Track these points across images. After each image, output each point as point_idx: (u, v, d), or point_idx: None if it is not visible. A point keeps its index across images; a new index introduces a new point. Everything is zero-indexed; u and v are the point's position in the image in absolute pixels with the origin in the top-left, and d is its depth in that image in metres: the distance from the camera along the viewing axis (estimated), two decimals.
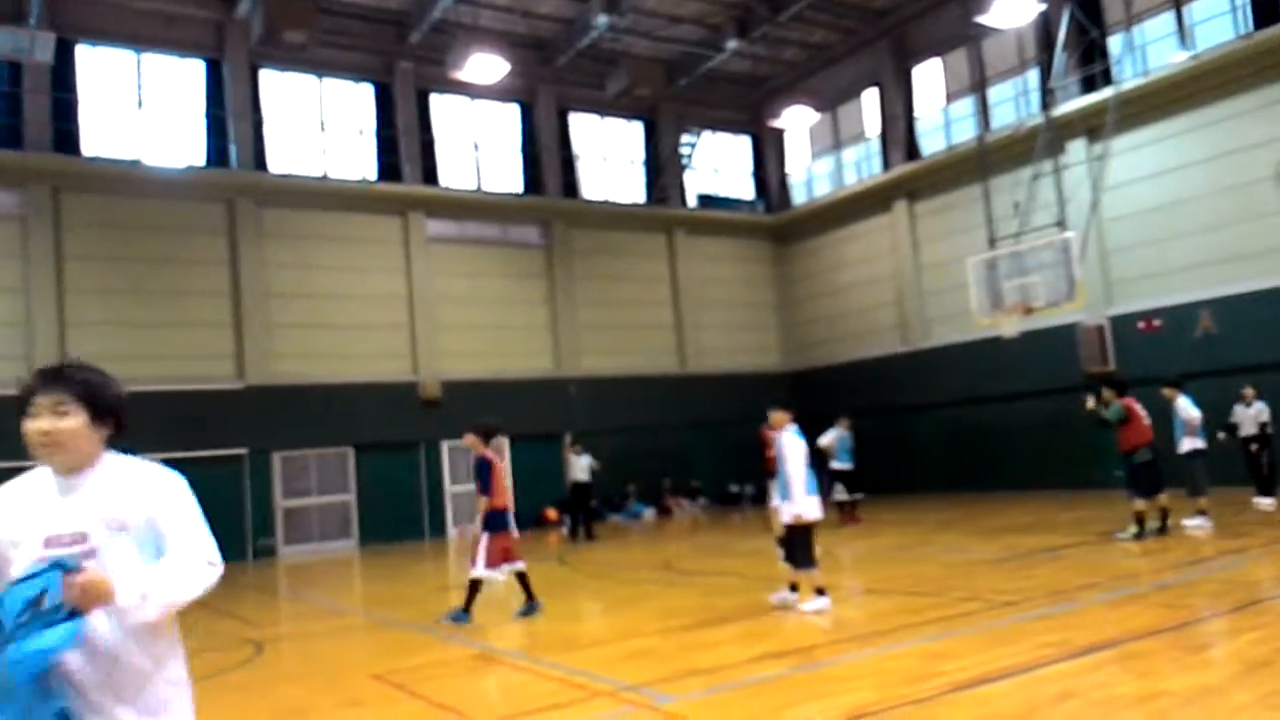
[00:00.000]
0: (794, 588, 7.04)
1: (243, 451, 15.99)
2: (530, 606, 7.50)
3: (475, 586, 7.35)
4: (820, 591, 6.78)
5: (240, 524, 15.82)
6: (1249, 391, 11.53)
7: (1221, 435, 11.42)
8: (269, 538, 16.16)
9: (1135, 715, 3.86)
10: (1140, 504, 9.36)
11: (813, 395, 20.46)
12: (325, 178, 17.99)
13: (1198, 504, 9.94)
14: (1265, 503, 11.07)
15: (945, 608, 6.84)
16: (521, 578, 7.54)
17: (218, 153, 17.08)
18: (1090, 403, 9.80)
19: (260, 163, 17.38)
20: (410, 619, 8.06)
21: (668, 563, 10.98)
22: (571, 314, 20.01)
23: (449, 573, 12.65)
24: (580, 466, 14.74)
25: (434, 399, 17.86)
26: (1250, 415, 11.39)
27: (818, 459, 12.74)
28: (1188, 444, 10.29)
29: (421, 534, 17.52)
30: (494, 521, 7.39)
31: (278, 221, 17.25)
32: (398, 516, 17.27)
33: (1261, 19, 14.48)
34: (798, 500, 6.67)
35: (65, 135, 15.74)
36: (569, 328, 19.91)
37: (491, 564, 7.32)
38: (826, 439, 13.39)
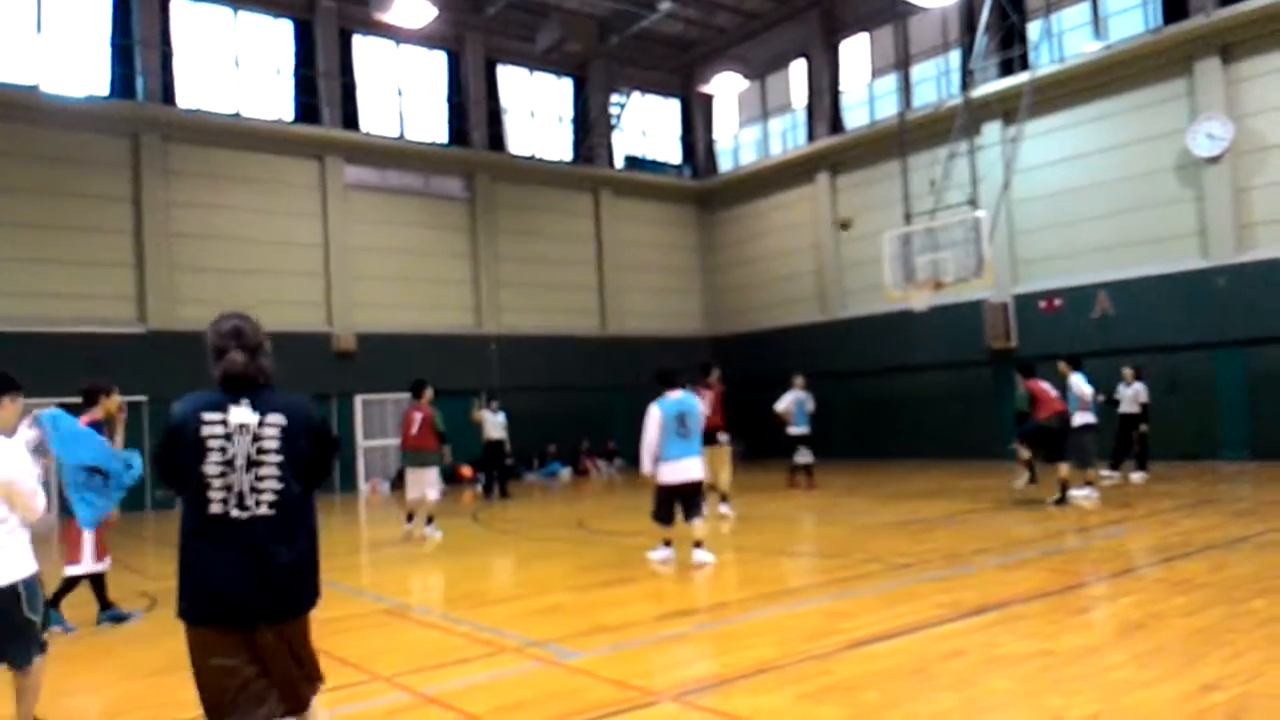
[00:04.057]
0: (668, 543, 7.50)
1: (142, 399, 14.97)
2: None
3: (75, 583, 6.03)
4: (666, 543, 7.43)
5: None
6: (1128, 372, 12.23)
7: (1102, 398, 12.14)
8: (167, 489, 15.31)
9: (1019, 672, 4.03)
10: (1064, 470, 9.91)
11: (734, 361, 20.69)
12: (238, 116, 16.87)
13: (1086, 475, 10.55)
14: (1136, 477, 11.85)
15: (848, 569, 7.02)
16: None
17: (123, 83, 15.86)
18: (1022, 452, 10.26)
19: (168, 96, 16.22)
20: None
21: (581, 521, 10.96)
22: (494, 269, 19.54)
23: (359, 527, 12.27)
24: (495, 424, 14.47)
25: (348, 351, 17.22)
26: (1129, 394, 12.04)
27: (772, 424, 12.72)
28: (1079, 419, 10.87)
29: (331, 488, 16.95)
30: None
31: (185, 159, 16.19)
32: None
33: (1170, 14, 15.13)
34: (645, 465, 7.30)
35: None
36: (490, 283, 19.44)
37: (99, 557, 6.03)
38: (782, 404, 12.96)
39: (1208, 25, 14.41)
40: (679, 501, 7.28)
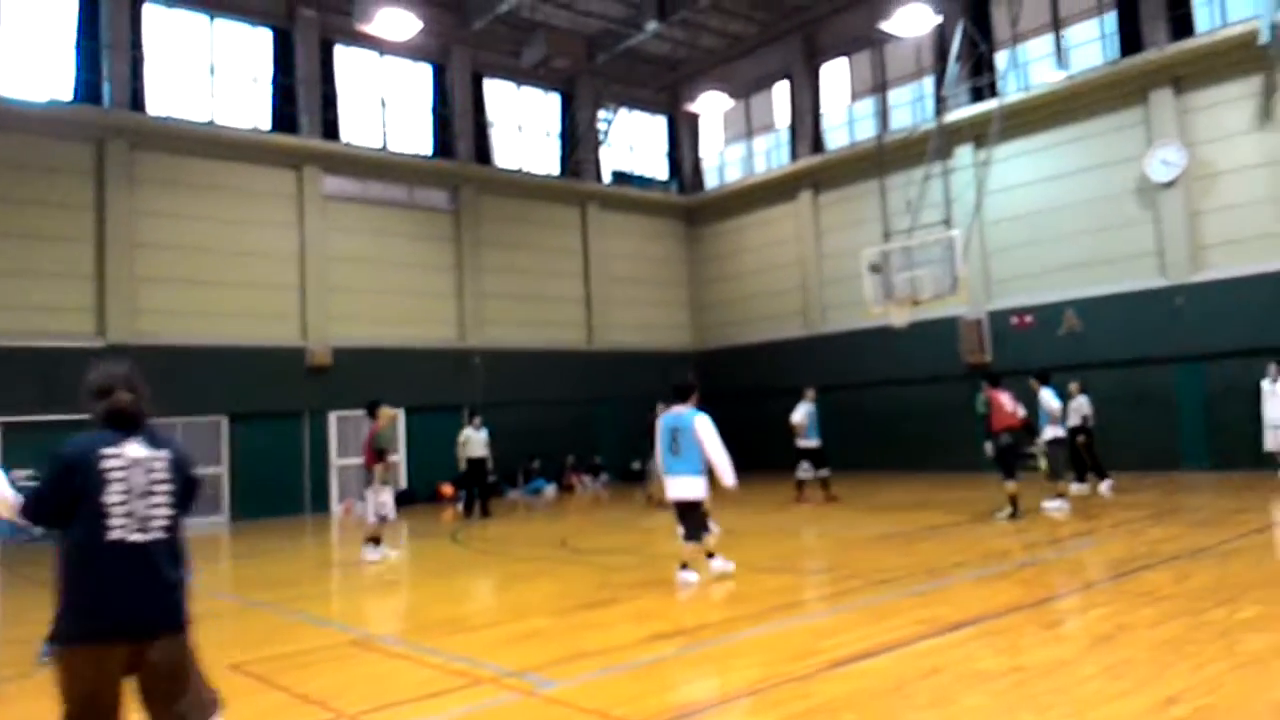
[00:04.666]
0: (710, 554, 7.42)
1: None
2: None
3: None
4: (709, 555, 7.39)
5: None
6: (1073, 386, 12.55)
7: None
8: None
9: (996, 687, 4.14)
10: (1011, 486, 10.07)
11: (719, 374, 20.87)
12: (212, 123, 16.66)
13: (1057, 487, 10.79)
14: (1102, 487, 12.12)
15: (830, 585, 7.13)
16: None
17: (89, 89, 15.52)
18: (990, 448, 10.58)
19: (137, 103, 15.92)
20: (280, 602, 7.62)
21: (564, 540, 10.91)
22: (478, 282, 19.47)
23: (330, 550, 12.13)
24: (477, 441, 14.38)
25: (323, 366, 17.00)
26: (1072, 408, 12.23)
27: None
28: (1049, 432, 11.15)
29: (302, 509, 16.70)
30: None
31: (154, 167, 15.87)
32: (276, 490, 16.34)
33: (1126, 48, 15.77)
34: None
35: None
36: (475, 296, 19.36)
37: None
38: (798, 415, 12.91)
39: (1160, 59, 15.03)
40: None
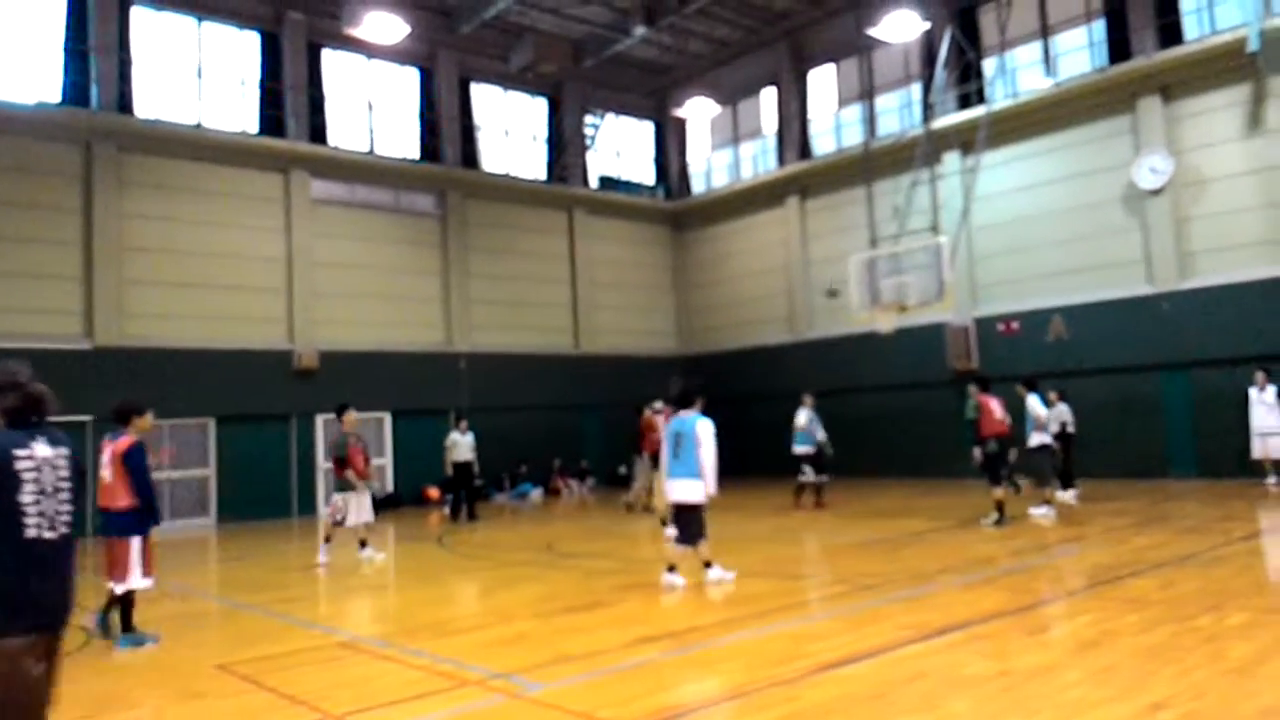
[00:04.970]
0: (707, 564, 7.41)
1: (86, 419, 14.47)
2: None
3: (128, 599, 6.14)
4: (706, 564, 7.36)
5: (79, 498, 14.34)
6: (1053, 394, 12.57)
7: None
8: None
9: (981, 693, 4.12)
10: (998, 492, 10.07)
11: (706, 380, 20.78)
12: (199, 126, 16.56)
13: (1044, 494, 10.82)
14: (1065, 495, 12.01)
15: (816, 590, 7.10)
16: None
17: (77, 91, 15.40)
18: (978, 454, 10.62)
19: (125, 105, 15.82)
20: (267, 604, 7.55)
21: (550, 544, 10.86)
22: (464, 287, 19.41)
23: (317, 553, 11.99)
24: (464, 445, 14.30)
25: (310, 369, 16.89)
26: (1052, 416, 12.16)
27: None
28: (1035, 439, 11.18)
29: (289, 512, 16.56)
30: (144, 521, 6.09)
31: (142, 170, 15.77)
32: (264, 493, 16.22)
33: (1115, 55, 15.89)
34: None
35: None
36: (461, 300, 19.30)
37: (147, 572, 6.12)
38: (802, 421, 12.89)
39: (1149, 66, 15.13)
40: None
